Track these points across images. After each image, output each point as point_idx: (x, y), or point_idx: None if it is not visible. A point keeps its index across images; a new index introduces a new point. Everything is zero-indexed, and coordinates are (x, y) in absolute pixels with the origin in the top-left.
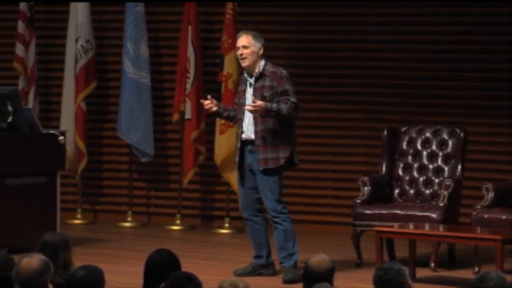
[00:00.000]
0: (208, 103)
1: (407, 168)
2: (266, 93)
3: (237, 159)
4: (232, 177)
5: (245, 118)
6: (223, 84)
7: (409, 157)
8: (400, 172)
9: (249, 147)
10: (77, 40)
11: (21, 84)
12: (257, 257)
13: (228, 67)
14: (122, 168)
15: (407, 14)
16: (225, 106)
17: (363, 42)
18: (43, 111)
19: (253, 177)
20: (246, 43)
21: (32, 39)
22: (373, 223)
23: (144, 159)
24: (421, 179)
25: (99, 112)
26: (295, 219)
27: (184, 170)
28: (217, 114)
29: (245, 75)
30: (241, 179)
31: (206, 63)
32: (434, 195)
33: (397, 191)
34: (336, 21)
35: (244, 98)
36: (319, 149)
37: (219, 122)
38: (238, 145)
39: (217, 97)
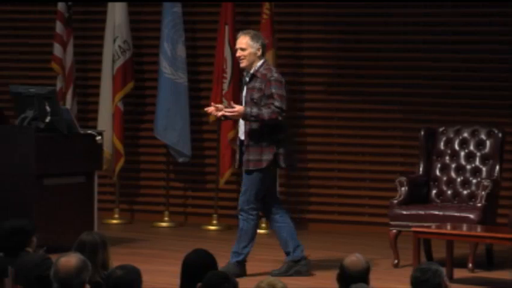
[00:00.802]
0: (212, 110)
1: (445, 168)
2: (255, 95)
3: (237, 156)
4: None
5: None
6: None
7: (447, 157)
8: (438, 172)
9: (243, 148)
10: (114, 40)
11: (59, 85)
12: (286, 254)
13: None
14: (159, 168)
15: (445, 15)
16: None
17: (401, 43)
18: (81, 111)
19: None
20: (244, 45)
21: (70, 40)
22: (410, 224)
23: (181, 160)
24: (459, 180)
25: (136, 112)
26: (331, 220)
27: (221, 170)
28: (226, 117)
29: (244, 73)
30: (243, 176)
31: None
32: (472, 196)
33: (434, 192)
34: (374, 22)
35: (242, 97)
36: (357, 150)
37: None
38: (238, 143)
39: None
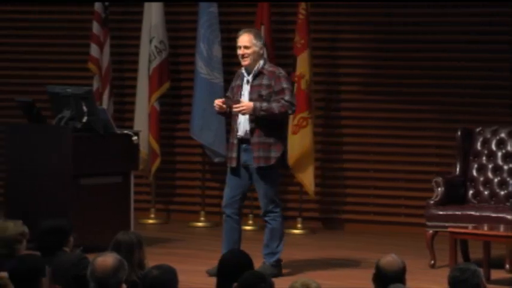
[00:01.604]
0: (219, 104)
1: (482, 169)
2: (263, 92)
3: (234, 154)
4: (305, 177)
5: (240, 115)
6: (296, 85)
7: (484, 158)
8: (474, 173)
9: (244, 145)
10: (150, 41)
11: (95, 85)
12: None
13: (301, 67)
14: (195, 168)
15: (480, 14)
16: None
17: (437, 43)
18: (117, 111)
19: (246, 175)
20: (247, 43)
21: (107, 40)
22: (446, 224)
23: (216, 160)
24: (496, 180)
25: (172, 112)
26: (367, 220)
27: None
28: (224, 114)
29: (242, 71)
30: (233, 175)
31: (278, 63)
32: (509, 196)
33: (471, 192)
34: (410, 22)
35: (240, 94)
36: (393, 150)
37: (291, 123)
38: (235, 141)
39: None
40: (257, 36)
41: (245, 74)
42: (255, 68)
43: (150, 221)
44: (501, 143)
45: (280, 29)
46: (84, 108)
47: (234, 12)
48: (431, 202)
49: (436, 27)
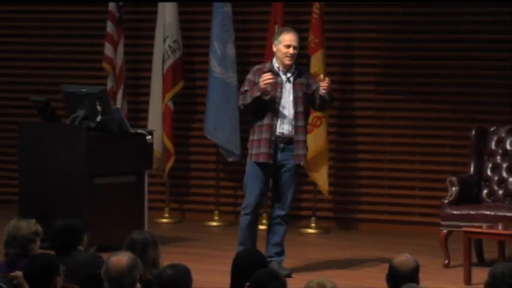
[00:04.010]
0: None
1: (496, 168)
2: (305, 90)
3: (271, 151)
4: (319, 176)
5: (283, 113)
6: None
7: (498, 157)
8: (489, 172)
9: (281, 145)
10: (164, 40)
11: (109, 84)
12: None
13: (315, 66)
14: (209, 167)
15: (496, 14)
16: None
17: (451, 42)
18: (131, 110)
19: (275, 174)
20: (296, 43)
21: (121, 40)
22: (461, 224)
23: (230, 159)
24: (510, 180)
25: (186, 112)
26: (381, 219)
27: None
28: (258, 100)
29: (275, 68)
30: (264, 170)
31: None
32: None
33: (485, 192)
34: (425, 21)
35: (281, 92)
36: (407, 149)
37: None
38: (273, 138)
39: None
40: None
41: (282, 72)
42: (294, 68)
43: (164, 221)
44: None
45: (294, 28)
46: (98, 108)
47: (248, 12)
48: (446, 202)
49: (450, 26)
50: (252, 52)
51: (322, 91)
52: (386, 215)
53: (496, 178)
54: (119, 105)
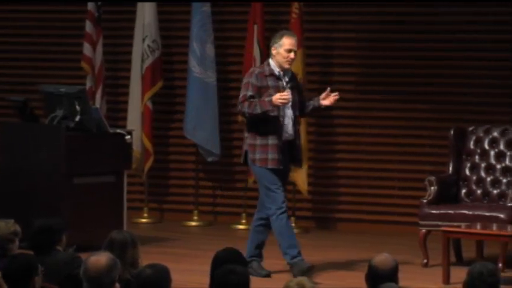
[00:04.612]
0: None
1: (475, 168)
2: (297, 94)
3: (280, 156)
4: (298, 176)
5: (286, 117)
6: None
7: (476, 157)
8: (467, 172)
9: (285, 148)
10: (143, 40)
11: (88, 84)
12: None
13: (294, 66)
14: (188, 167)
15: (476, 13)
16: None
17: (429, 42)
18: (110, 110)
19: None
20: (296, 48)
21: (100, 39)
22: (439, 223)
23: (210, 159)
24: (489, 179)
25: (165, 111)
26: (361, 219)
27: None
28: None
29: (276, 72)
30: (279, 176)
31: None
32: (502, 195)
33: (464, 191)
34: (404, 21)
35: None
36: (386, 149)
37: None
38: (280, 143)
39: None
40: None
41: (281, 75)
42: (289, 71)
43: (143, 220)
44: (494, 142)
45: (273, 28)
46: (77, 108)
47: (227, 12)
48: (424, 201)
49: (429, 26)
50: (231, 52)
51: (326, 103)
52: (365, 215)
53: (474, 178)
54: (97, 105)
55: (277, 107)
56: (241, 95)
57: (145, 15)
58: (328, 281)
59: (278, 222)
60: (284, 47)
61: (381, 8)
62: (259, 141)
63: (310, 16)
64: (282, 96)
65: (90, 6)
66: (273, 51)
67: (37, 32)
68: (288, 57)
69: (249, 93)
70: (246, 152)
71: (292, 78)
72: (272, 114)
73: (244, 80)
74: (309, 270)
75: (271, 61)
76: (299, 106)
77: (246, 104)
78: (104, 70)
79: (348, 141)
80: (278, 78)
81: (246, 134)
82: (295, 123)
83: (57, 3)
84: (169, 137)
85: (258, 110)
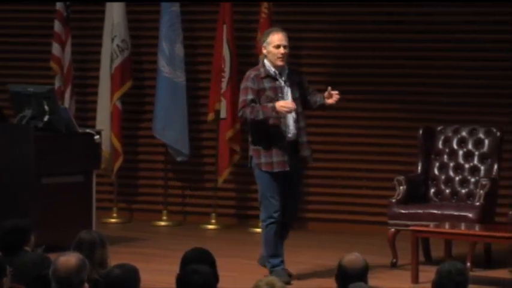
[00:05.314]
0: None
1: (443, 167)
2: (300, 90)
3: (286, 158)
4: None
5: (287, 117)
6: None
7: (445, 156)
8: (436, 171)
9: (290, 149)
10: (112, 39)
11: (57, 84)
12: (283, 261)
13: None
14: (158, 167)
15: (444, 13)
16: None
17: (399, 42)
18: (79, 110)
19: (284, 179)
20: (287, 43)
21: (68, 39)
22: (408, 222)
23: (179, 159)
24: (457, 179)
25: (134, 111)
26: (330, 219)
27: (220, 169)
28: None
29: (272, 72)
30: (278, 179)
31: (241, 62)
32: (470, 195)
33: (432, 191)
34: (372, 20)
35: (283, 96)
36: (355, 148)
37: None
38: (285, 145)
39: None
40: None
41: (277, 74)
42: (286, 68)
43: (113, 220)
44: (462, 142)
45: (242, 28)
46: (46, 107)
47: (197, 11)
48: (393, 201)
49: (395, 26)
50: (201, 52)
51: (330, 102)
52: (335, 215)
53: (443, 177)
54: (66, 104)
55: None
56: (240, 100)
57: (114, 15)
58: (299, 280)
59: (266, 232)
60: (272, 44)
61: (350, 8)
62: (263, 145)
63: (280, 16)
64: (286, 105)
65: (59, 6)
66: (264, 51)
67: (5, 31)
68: (278, 53)
69: (249, 97)
70: (251, 157)
71: (291, 74)
72: (273, 117)
73: (242, 86)
74: (287, 283)
75: (265, 62)
76: (302, 101)
77: (248, 110)
78: (73, 70)
79: (317, 141)
80: (274, 78)
81: (249, 139)
82: (298, 121)
83: (26, 3)
84: (139, 136)
85: (261, 116)
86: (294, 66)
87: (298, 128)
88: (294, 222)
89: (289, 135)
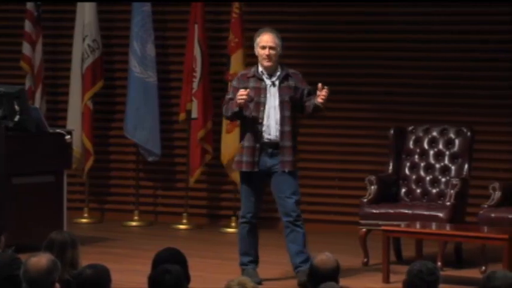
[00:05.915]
0: (246, 94)
1: (414, 167)
2: (292, 94)
3: (256, 159)
4: (239, 176)
5: (269, 118)
6: (230, 84)
7: (416, 156)
8: (407, 171)
9: (269, 150)
10: (83, 39)
11: (28, 84)
12: (255, 261)
13: (235, 66)
14: (129, 167)
15: (417, 13)
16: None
17: (370, 42)
18: (50, 110)
19: (266, 180)
20: (274, 44)
21: (39, 39)
22: (380, 222)
23: (150, 159)
24: (428, 178)
25: (106, 111)
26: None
27: (191, 169)
28: (239, 114)
29: (260, 73)
30: (251, 180)
31: (213, 62)
32: (441, 195)
33: (403, 190)
34: (343, 20)
35: (264, 97)
36: (326, 148)
37: (226, 121)
38: (257, 145)
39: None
40: (278, 36)
41: (265, 76)
42: (279, 70)
43: (84, 221)
44: (433, 142)
45: (214, 28)
46: (16, 107)
47: (168, 11)
48: (365, 200)
49: (367, 26)
50: (172, 52)
51: (319, 100)
52: (306, 214)
53: (414, 177)
54: (37, 104)
55: (258, 108)
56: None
57: (86, 15)
58: (270, 280)
59: (240, 230)
60: (259, 45)
61: (322, 8)
62: (242, 144)
63: (251, 16)
64: (239, 94)
65: (29, 5)
66: (255, 52)
67: None
68: (263, 54)
69: (228, 96)
70: None
71: (285, 77)
72: (249, 115)
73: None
74: (258, 283)
75: (259, 62)
76: (295, 106)
77: (224, 107)
78: (44, 70)
79: None
80: (260, 78)
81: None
82: (283, 124)
83: None
84: (110, 136)
85: (229, 112)
86: (295, 70)
87: (281, 131)
88: (297, 222)
89: (269, 136)
